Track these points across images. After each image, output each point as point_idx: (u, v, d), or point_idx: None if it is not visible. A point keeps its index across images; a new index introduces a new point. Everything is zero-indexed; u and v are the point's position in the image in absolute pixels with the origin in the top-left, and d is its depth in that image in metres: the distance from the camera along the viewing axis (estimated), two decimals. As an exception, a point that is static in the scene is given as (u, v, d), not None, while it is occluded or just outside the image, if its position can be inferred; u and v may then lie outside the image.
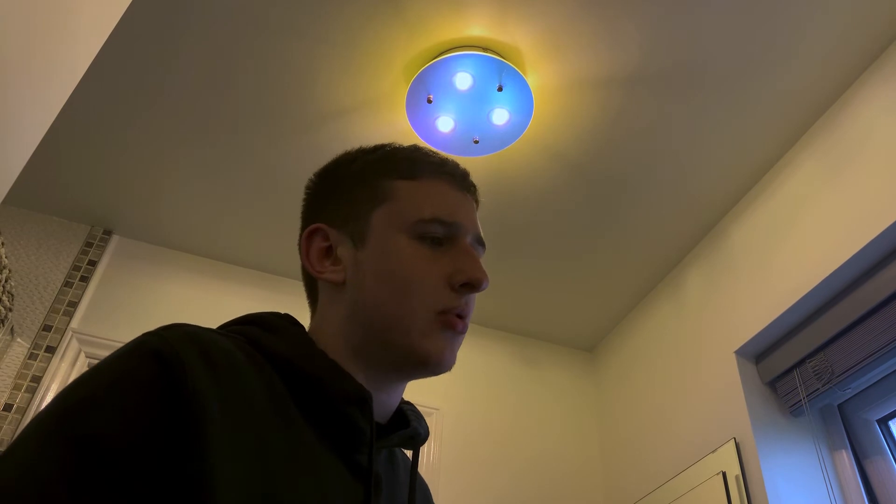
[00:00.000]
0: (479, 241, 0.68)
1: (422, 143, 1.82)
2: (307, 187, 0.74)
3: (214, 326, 0.61)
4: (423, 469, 2.12)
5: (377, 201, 0.66)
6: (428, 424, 0.70)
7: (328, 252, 0.67)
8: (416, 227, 0.64)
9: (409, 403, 0.69)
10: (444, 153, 0.73)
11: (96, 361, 2.12)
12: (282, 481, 0.50)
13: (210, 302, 2.25)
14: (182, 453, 0.45)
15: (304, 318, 0.70)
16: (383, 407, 0.64)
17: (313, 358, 0.59)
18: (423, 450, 2.11)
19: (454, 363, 0.63)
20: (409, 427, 0.65)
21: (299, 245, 0.70)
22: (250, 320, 0.63)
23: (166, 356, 0.48)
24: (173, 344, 0.49)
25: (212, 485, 0.45)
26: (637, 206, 2.02)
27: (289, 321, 0.65)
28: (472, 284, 0.63)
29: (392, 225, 0.64)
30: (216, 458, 0.46)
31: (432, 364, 0.61)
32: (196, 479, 0.45)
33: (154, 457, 0.44)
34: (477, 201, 0.72)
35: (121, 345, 0.51)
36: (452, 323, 0.62)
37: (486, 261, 0.65)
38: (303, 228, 0.70)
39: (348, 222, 0.66)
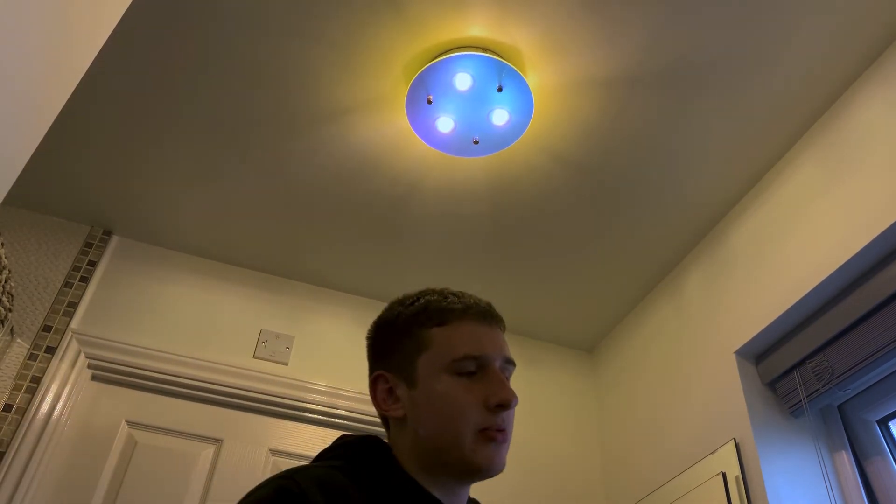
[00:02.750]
0: (508, 361, 0.84)
1: (422, 143, 1.83)
2: (367, 336, 0.90)
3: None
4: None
5: (420, 349, 0.82)
6: None
7: (390, 393, 0.83)
8: (453, 366, 0.80)
9: (475, 501, 0.88)
10: (469, 295, 0.87)
11: (96, 362, 2.09)
12: None
13: (210, 302, 2.25)
14: None
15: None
16: None
17: (400, 483, 0.76)
18: None
19: (504, 465, 0.78)
20: None
21: (370, 387, 0.86)
22: (342, 455, 0.79)
23: (297, 495, 0.66)
24: (302, 486, 0.67)
25: None
26: (637, 206, 2.02)
27: (375, 447, 0.81)
28: (503, 405, 0.78)
29: (434, 367, 0.81)
30: None
31: (485, 471, 0.77)
32: None
33: None
34: (503, 328, 0.87)
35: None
36: (492, 437, 0.77)
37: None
38: (370, 371, 0.87)
39: (402, 369, 0.83)
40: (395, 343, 0.85)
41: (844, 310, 1.61)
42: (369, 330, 0.90)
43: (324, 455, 0.80)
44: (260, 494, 0.68)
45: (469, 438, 0.77)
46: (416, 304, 0.86)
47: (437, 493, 0.77)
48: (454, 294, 0.87)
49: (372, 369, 0.87)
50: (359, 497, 0.70)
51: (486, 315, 0.85)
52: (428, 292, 0.88)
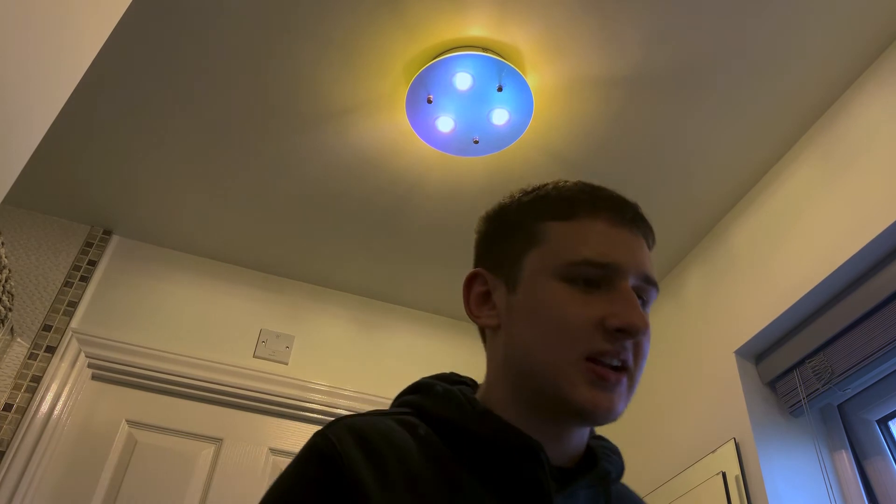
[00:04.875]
0: (648, 281, 0.64)
1: (422, 143, 1.82)
2: (475, 230, 0.73)
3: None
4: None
5: (530, 244, 0.65)
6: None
7: (486, 297, 0.67)
8: (567, 270, 0.61)
9: (600, 439, 0.68)
10: (611, 190, 0.69)
11: (96, 361, 2.09)
12: None
13: (210, 302, 2.25)
14: None
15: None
16: (563, 451, 0.62)
17: (473, 416, 0.60)
18: None
19: (619, 414, 0.59)
20: (597, 466, 0.63)
21: (463, 288, 0.70)
22: (414, 388, 0.66)
23: (328, 454, 0.55)
24: (334, 442, 0.56)
25: None
26: (637, 206, 2.02)
27: (449, 381, 0.67)
28: (626, 330, 0.59)
29: (544, 268, 0.62)
30: None
31: (587, 415, 0.58)
32: None
33: None
34: (651, 241, 0.68)
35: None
36: (603, 374, 0.58)
37: None
38: None
39: (503, 267, 0.66)
40: (502, 236, 0.68)
41: (844, 310, 1.61)
42: (478, 223, 0.73)
43: (398, 398, 0.67)
44: (296, 457, 0.58)
45: (571, 366, 0.58)
46: (539, 191, 0.69)
47: (538, 436, 0.59)
48: (591, 186, 0.68)
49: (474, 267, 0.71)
50: (420, 450, 0.57)
51: (628, 217, 0.65)
52: (562, 181, 0.70)
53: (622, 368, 0.60)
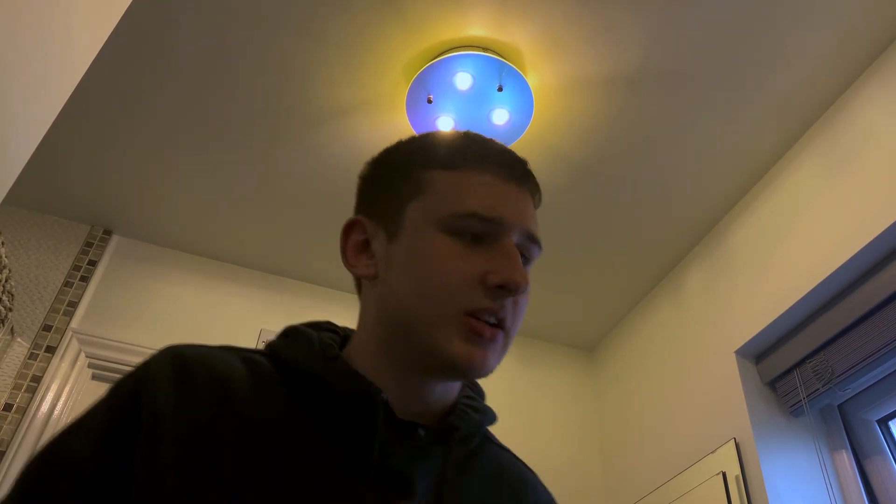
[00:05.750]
0: (532, 239, 0.62)
1: (422, 143, 1.82)
2: (358, 175, 0.70)
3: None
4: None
5: (413, 193, 0.62)
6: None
7: (365, 246, 0.65)
8: (450, 222, 0.59)
9: (470, 397, 0.66)
10: (500, 143, 0.67)
11: (96, 361, 2.09)
12: (241, 483, 0.51)
13: (210, 302, 2.25)
14: (131, 450, 0.51)
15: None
16: (425, 407, 0.61)
17: (321, 360, 0.59)
18: None
19: (491, 370, 0.58)
20: (444, 423, 0.61)
21: (341, 236, 0.67)
22: (282, 333, 0.64)
23: (140, 374, 0.55)
24: (151, 363, 0.56)
25: (157, 471, 0.50)
26: (637, 206, 2.02)
27: (318, 328, 0.65)
28: (506, 287, 0.57)
29: (426, 219, 0.60)
30: (162, 452, 0.51)
31: (459, 369, 0.57)
32: (144, 467, 0.50)
33: (106, 456, 0.51)
34: (537, 198, 0.66)
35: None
36: (478, 329, 0.57)
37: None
38: None
39: (385, 215, 0.63)
40: (386, 182, 0.66)
41: (844, 310, 1.61)
42: (362, 167, 0.71)
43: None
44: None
45: (447, 318, 0.57)
46: (427, 138, 0.67)
47: (392, 390, 0.58)
48: (480, 137, 0.66)
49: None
50: (252, 388, 0.56)
51: (515, 172, 0.63)
52: (450, 132, 0.68)
53: (498, 326, 0.59)
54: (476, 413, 0.64)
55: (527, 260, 0.63)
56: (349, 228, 0.66)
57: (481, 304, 0.57)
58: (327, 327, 0.67)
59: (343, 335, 0.67)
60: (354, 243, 0.65)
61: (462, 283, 0.57)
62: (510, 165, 0.63)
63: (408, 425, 0.58)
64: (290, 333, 0.63)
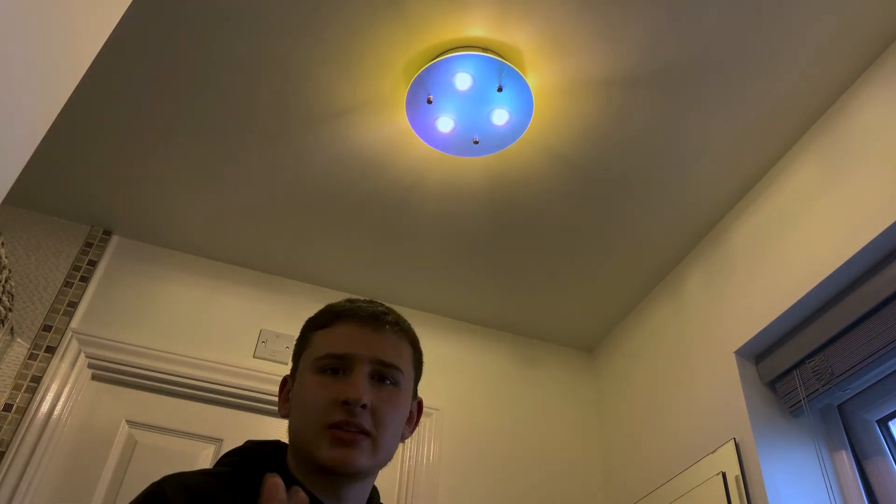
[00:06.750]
0: (384, 364, 0.80)
1: (422, 143, 1.83)
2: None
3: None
4: (422, 469, 2.12)
5: (303, 350, 0.85)
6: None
7: (287, 395, 0.86)
8: (316, 363, 0.80)
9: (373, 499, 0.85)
10: (372, 302, 0.86)
11: (96, 361, 2.10)
12: None
13: (210, 302, 2.25)
14: None
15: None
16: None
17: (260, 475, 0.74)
18: (424, 450, 2.11)
19: (359, 466, 0.75)
20: None
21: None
22: (236, 461, 0.79)
23: (160, 499, 0.68)
24: (168, 496, 0.68)
25: None
26: (637, 206, 2.02)
27: (267, 447, 0.82)
28: (348, 401, 0.76)
29: (305, 366, 0.82)
30: None
31: (333, 470, 0.75)
32: None
33: None
34: (399, 332, 0.85)
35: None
36: (339, 436, 0.75)
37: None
38: None
39: (294, 370, 0.86)
40: (295, 347, 0.89)
41: (844, 310, 1.61)
42: None
43: (223, 458, 0.81)
44: (132, 501, 0.70)
45: (316, 434, 0.76)
46: (322, 310, 0.88)
47: (320, 495, 0.75)
48: (357, 300, 0.87)
49: None
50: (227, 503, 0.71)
51: (371, 318, 0.83)
52: (342, 301, 0.89)
53: (361, 432, 0.76)
54: None
55: (386, 378, 0.81)
56: (283, 385, 0.88)
57: (337, 417, 0.76)
58: (277, 447, 0.83)
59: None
60: (283, 394, 0.87)
61: (323, 405, 0.77)
62: (367, 315, 0.83)
63: None
64: (252, 453, 0.81)
